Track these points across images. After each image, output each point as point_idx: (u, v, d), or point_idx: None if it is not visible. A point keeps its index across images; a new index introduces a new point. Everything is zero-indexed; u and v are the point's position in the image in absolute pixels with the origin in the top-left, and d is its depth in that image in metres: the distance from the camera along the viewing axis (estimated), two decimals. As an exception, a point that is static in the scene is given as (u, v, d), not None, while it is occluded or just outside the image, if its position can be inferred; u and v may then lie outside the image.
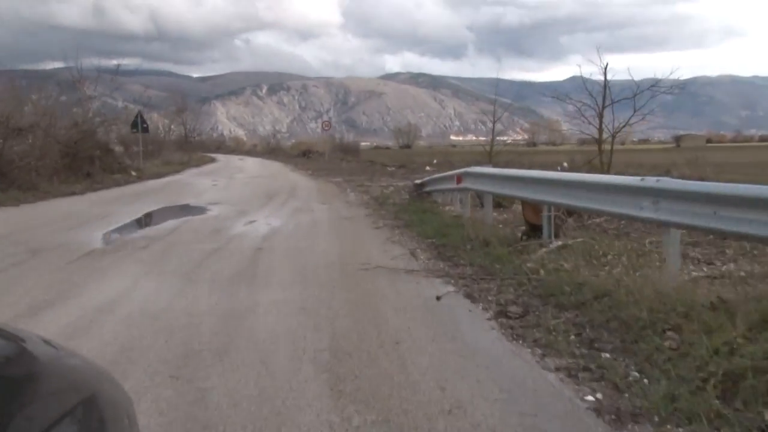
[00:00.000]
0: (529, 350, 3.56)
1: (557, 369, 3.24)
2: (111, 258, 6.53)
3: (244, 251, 6.89)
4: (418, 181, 13.83)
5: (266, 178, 22.99)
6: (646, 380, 2.98)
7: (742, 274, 5.05)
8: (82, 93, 24.28)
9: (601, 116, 16.01)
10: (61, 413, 0.83)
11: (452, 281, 5.31)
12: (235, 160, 50.19)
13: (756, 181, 8.83)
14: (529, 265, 5.53)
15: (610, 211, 5.08)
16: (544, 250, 6.25)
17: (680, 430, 2.49)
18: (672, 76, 15.78)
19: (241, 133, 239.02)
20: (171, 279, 5.47)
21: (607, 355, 3.36)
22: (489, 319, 4.21)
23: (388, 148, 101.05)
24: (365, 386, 3.00)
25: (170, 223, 9.62)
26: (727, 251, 6.24)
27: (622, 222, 7.85)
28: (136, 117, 28.14)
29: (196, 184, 20.32)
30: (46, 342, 0.98)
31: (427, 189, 12.63)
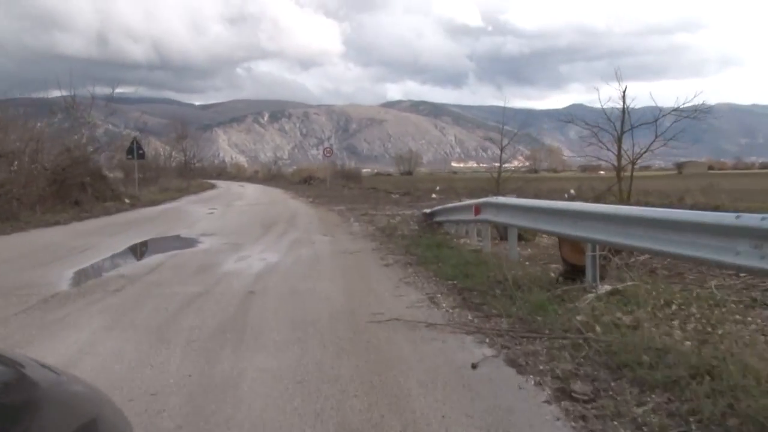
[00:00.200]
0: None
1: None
2: (73, 305, 5.49)
3: (232, 296, 5.86)
4: (427, 211, 12.87)
5: (265, 206, 22.04)
6: None
7: None
8: (75, 118, 23.51)
9: (619, 142, 15.13)
10: None
11: (487, 339, 4.27)
12: (235, 186, 49.45)
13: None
14: (579, 318, 4.50)
15: (689, 256, 4.06)
16: (591, 296, 5.21)
17: None
18: (693, 102, 14.89)
19: (242, 159, 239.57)
20: (138, 336, 4.43)
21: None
22: (548, 402, 3.16)
23: (389, 174, 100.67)
24: None
25: (154, 259, 8.60)
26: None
27: (667, 258, 6.84)
28: (132, 143, 27.33)
29: (191, 212, 19.37)
30: (46, 367, 0.96)
31: (438, 219, 11.65)
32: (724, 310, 4.67)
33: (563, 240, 5.87)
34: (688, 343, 3.70)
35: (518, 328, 4.53)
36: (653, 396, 3.09)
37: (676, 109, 14.71)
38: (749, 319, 4.49)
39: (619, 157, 15.25)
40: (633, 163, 15.21)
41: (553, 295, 5.32)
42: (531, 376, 3.53)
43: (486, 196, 25.93)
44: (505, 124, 28.16)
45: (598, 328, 4.21)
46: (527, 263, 7.64)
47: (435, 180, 48.82)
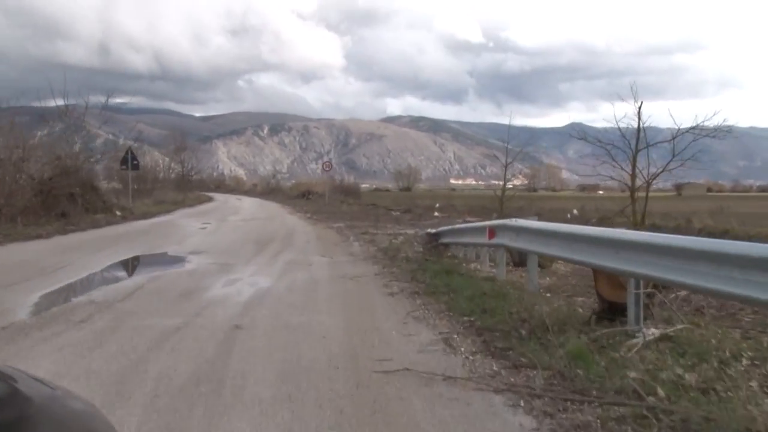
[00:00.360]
0: None
1: None
2: (25, 341, 4.66)
3: (215, 331, 5.04)
4: (432, 231, 12.09)
5: (261, 221, 21.24)
6: None
7: None
8: (68, 126, 22.76)
9: (634, 161, 14.39)
10: None
11: (521, 402, 3.46)
12: (232, 199, 48.70)
13: None
14: (632, 375, 3.69)
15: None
16: (636, 342, 4.42)
17: None
18: (712, 121, 14.16)
19: (241, 172, 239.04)
20: (93, 388, 3.60)
21: None
22: None
23: (388, 190, 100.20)
24: None
25: (133, 281, 7.77)
26: None
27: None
28: (126, 153, 26.55)
29: (183, 226, 18.56)
30: (40, 381, 0.92)
31: (445, 241, 10.86)
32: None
33: (599, 273, 5.07)
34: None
35: (557, 385, 3.72)
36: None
37: (694, 128, 13.98)
38: None
39: (633, 176, 14.52)
40: (648, 183, 14.46)
41: (591, 340, 4.52)
42: (589, 464, 2.72)
43: (489, 215, 25.24)
44: (504, 142, 27.64)
45: (660, 391, 3.41)
46: (548, 294, 6.86)
47: (434, 197, 48.18)
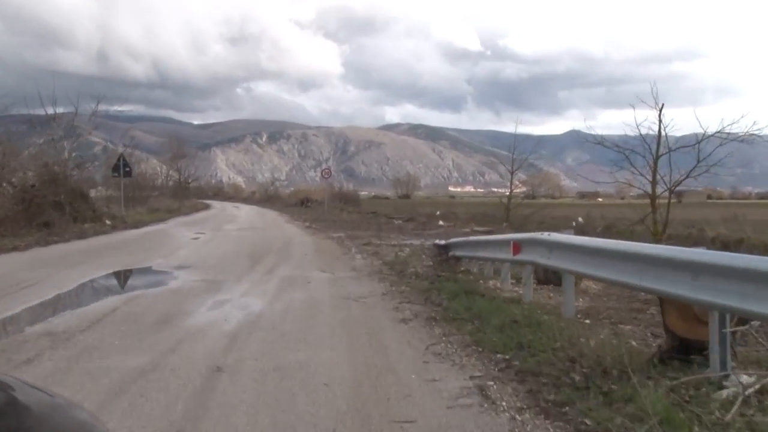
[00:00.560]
0: None
1: None
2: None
3: (189, 376, 4.04)
4: (441, 242, 11.13)
5: (258, 231, 20.24)
6: None
7: None
8: (56, 132, 21.82)
9: (655, 167, 13.45)
10: None
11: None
12: (229, 207, 47.76)
13: None
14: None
15: None
16: (728, 394, 3.44)
17: None
18: (735, 126, 13.20)
19: (240, 180, 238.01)
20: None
21: None
22: None
23: (387, 197, 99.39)
24: None
25: (105, 304, 6.76)
26: None
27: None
28: (118, 160, 25.62)
29: (175, 236, 17.56)
30: (39, 389, 0.88)
31: (457, 254, 9.89)
32: None
33: (668, 302, 4.09)
34: None
35: (647, 467, 2.72)
36: None
37: (719, 132, 13.03)
38: None
39: (653, 183, 13.56)
40: (671, 191, 13.51)
41: (668, 391, 3.53)
42: None
43: (495, 223, 24.24)
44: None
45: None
46: (587, 321, 5.87)
47: (434, 204, 47.24)
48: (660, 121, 13.13)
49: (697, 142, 12.79)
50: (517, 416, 3.36)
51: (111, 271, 9.55)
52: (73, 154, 22.58)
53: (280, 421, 3.27)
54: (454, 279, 8.22)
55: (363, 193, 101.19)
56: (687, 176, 13.31)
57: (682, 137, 14.67)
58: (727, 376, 3.68)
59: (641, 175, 13.78)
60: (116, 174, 25.73)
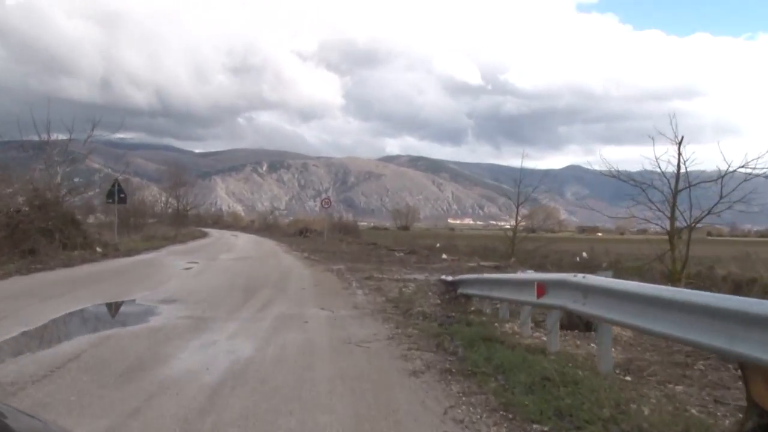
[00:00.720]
0: None
1: None
2: None
3: (153, 450, 3.23)
4: (449, 279, 10.37)
5: (254, 261, 19.43)
6: None
7: None
8: (49, 156, 21.19)
9: (674, 202, 12.75)
10: None
11: None
12: (227, 236, 46.94)
13: None
14: None
15: None
16: None
17: None
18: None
19: (239, 208, 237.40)
20: None
21: None
22: None
23: (386, 228, 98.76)
24: None
25: (72, 346, 5.93)
26: None
27: None
28: (113, 186, 24.92)
29: (167, 265, 16.74)
30: (31, 416, 0.88)
31: (466, 292, 9.11)
32: None
33: (753, 370, 3.29)
34: None
35: None
36: None
37: (743, 166, 12.38)
38: None
39: (672, 219, 12.85)
40: (691, 228, 12.77)
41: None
42: None
43: (499, 257, 23.41)
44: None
45: None
46: (628, 378, 5.06)
47: (434, 236, 46.46)
48: (679, 154, 12.47)
49: (720, 177, 12.12)
50: None
51: (90, 304, 8.74)
52: (66, 181, 21.98)
53: None
54: (466, 321, 7.41)
55: (362, 223, 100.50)
56: (708, 212, 12.59)
57: (691, 172, 14.09)
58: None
59: (659, 210, 13.05)
60: (110, 200, 25.03)
